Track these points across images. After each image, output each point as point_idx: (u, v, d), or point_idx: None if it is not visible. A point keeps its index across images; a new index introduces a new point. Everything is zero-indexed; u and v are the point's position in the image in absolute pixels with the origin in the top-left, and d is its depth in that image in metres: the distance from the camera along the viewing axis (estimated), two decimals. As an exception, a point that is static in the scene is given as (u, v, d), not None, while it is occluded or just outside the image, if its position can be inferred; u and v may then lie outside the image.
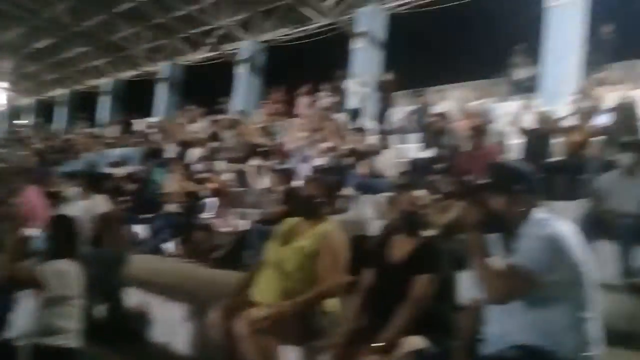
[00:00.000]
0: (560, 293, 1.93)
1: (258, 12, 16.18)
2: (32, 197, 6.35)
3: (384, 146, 8.14)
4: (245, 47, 16.90)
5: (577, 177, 5.96)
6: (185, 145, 12.12)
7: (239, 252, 6.18)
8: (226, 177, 9.06)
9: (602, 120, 7.00)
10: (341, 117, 12.26)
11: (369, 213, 7.42)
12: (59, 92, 24.50)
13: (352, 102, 12.40)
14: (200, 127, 13.95)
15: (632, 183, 4.59)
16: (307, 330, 2.97)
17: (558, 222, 1.99)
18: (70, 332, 3.44)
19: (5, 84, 25.22)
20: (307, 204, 3.14)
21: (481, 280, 1.99)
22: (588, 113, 6.94)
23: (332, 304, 3.09)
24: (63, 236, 3.60)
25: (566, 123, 6.83)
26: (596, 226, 4.46)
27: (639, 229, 4.29)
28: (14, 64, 23.27)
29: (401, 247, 2.71)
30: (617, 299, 4.05)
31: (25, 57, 21.87)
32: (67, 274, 3.45)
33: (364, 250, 4.82)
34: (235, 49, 17.38)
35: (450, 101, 10.94)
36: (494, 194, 2.08)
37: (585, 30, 10.84)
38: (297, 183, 7.01)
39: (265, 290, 3.02)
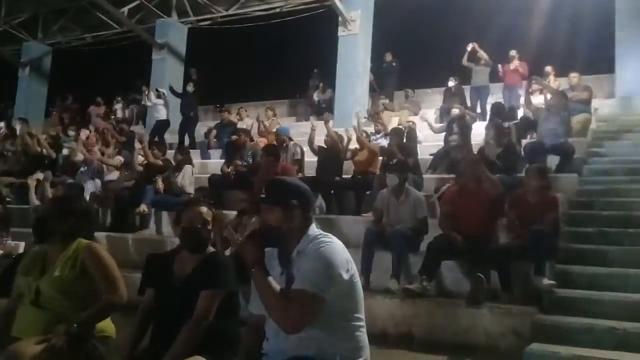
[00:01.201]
0: (333, 306, 2.03)
1: (44, 11, 14.72)
2: None
3: (185, 161, 7.94)
4: (29, 48, 15.24)
5: (363, 194, 6.51)
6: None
7: (14, 279, 5.43)
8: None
9: (382, 142, 7.78)
10: (139, 129, 11.71)
11: (167, 230, 7.18)
12: None
13: (152, 115, 11.91)
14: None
15: (398, 201, 5.16)
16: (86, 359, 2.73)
17: (329, 239, 2.11)
18: None
19: None
20: (50, 226, 2.86)
21: (273, 314, 2.02)
22: (371, 135, 7.63)
23: (110, 328, 2.89)
24: None
25: (351, 144, 7.40)
26: (377, 238, 4.90)
27: (409, 241, 4.83)
28: None
29: (185, 264, 2.65)
30: (394, 304, 4.48)
31: None
32: None
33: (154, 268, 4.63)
34: (16, 49, 15.57)
35: (252, 119, 11.17)
36: (270, 208, 2.13)
37: (369, 60, 12.02)
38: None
39: (26, 325, 2.73)
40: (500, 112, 8.07)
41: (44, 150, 9.74)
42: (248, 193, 5.32)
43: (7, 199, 8.12)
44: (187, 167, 7.78)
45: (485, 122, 8.23)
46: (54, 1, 14.10)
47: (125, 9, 13.32)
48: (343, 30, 11.77)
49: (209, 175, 7.91)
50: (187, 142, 11.03)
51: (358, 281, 2.15)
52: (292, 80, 14.57)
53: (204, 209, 2.67)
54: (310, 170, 7.50)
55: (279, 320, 2.01)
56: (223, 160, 8.64)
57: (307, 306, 1.97)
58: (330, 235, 2.14)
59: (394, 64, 12.22)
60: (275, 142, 7.91)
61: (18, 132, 11.07)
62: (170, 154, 8.85)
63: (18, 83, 15.26)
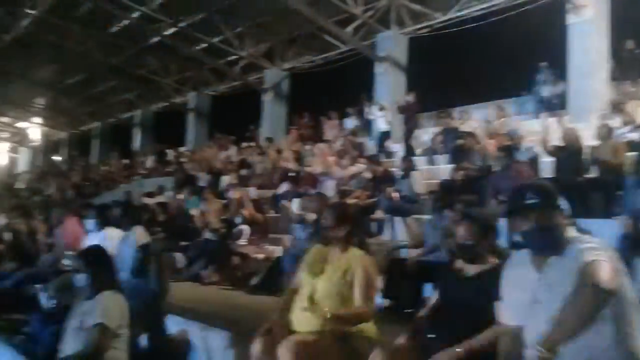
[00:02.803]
0: (607, 313, 1.95)
1: (280, 41, 16.52)
2: (72, 227, 6.59)
3: (409, 168, 8.19)
4: (270, 75, 17.23)
5: (612, 194, 5.91)
6: (217, 173, 12.35)
7: (275, 279, 6.26)
8: (257, 203, 9.19)
9: (633, 135, 6.96)
10: (368, 140, 12.36)
11: (402, 236, 7.47)
12: (94, 126, 25.22)
13: (378, 126, 12.50)
14: (230, 154, 14.23)
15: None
16: (350, 357, 3.01)
17: (592, 244, 2.02)
18: (118, 361, 3.54)
19: (40, 120, 26.09)
20: (330, 232, 3.19)
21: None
22: (617, 128, 6.89)
23: (372, 329, 3.12)
24: (100, 268, 3.67)
25: (596, 139, 6.78)
26: (636, 245, 4.43)
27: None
28: (49, 100, 24.09)
29: (463, 272, 2.78)
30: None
31: (59, 92, 22.63)
32: (114, 305, 3.56)
33: (401, 271, 4.88)
34: (260, 77, 17.75)
35: (476, 121, 10.96)
36: (541, 212, 2.09)
37: (609, 46, 10.81)
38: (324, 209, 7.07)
39: (301, 319, 3.08)
40: None
41: (289, 165, 10.92)
42: (486, 196, 5.22)
43: (264, 209, 9.32)
44: (414, 174, 8.02)
45: None
46: (288, 30, 15.74)
47: (350, 28, 14.23)
48: (573, 17, 10.84)
49: (436, 181, 7.99)
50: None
51: (630, 287, 2.02)
52: (517, 76, 13.84)
53: (472, 224, 2.79)
54: (543, 171, 7.08)
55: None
56: (450, 166, 8.65)
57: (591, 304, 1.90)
58: (590, 237, 2.05)
59: (636, 51, 10.82)
60: (506, 144, 7.66)
61: (266, 150, 12.65)
62: (396, 162, 9.22)
63: (262, 107, 17.32)
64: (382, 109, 12.36)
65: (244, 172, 12.08)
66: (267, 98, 17.09)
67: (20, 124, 27.12)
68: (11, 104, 24.20)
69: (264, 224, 7.88)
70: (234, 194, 9.73)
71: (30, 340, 4.42)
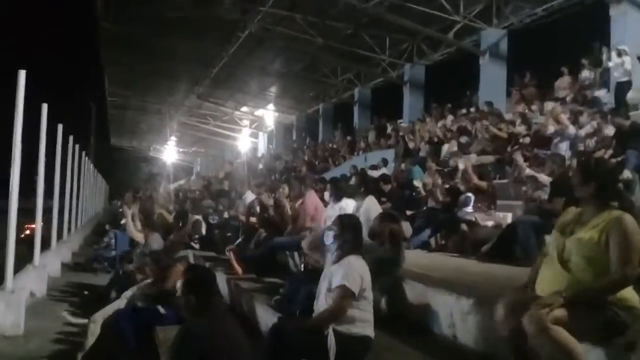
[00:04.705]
0: None
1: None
2: (311, 200, 7.21)
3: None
4: (486, 36, 16.39)
5: None
6: (436, 142, 12.28)
7: (508, 246, 6.02)
8: (480, 170, 8.88)
9: None
10: (602, 94, 11.06)
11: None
12: (318, 107, 27.12)
13: (615, 76, 11.00)
14: (447, 123, 14.01)
15: None
16: (607, 327, 2.77)
17: None
18: (365, 321, 3.79)
19: (273, 106, 29.02)
20: (577, 190, 2.99)
21: None
22: None
23: (634, 298, 2.82)
24: (350, 235, 3.97)
25: None
26: None
27: None
28: (279, 87, 26.61)
29: None
30: None
31: (288, 79, 24.79)
32: (357, 269, 3.81)
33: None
34: (475, 40, 17.01)
35: None
36: None
37: None
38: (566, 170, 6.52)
39: (550, 285, 2.89)
40: None
41: (515, 128, 10.32)
42: None
43: (490, 176, 8.99)
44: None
45: None
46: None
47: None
48: None
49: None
50: None
51: None
52: None
53: None
54: None
55: None
56: None
57: None
58: None
59: None
60: None
61: (486, 115, 12.12)
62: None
63: (480, 70, 16.56)
64: (620, 54, 10.82)
65: (463, 139, 11.79)
66: (484, 61, 16.27)
67: (258, 112, 30.52)
68: (250, 95, 27.35)
69: (489, 191, 7.58)
70: (455, 162, 9.58)
71: (286, 299, 5.00)
